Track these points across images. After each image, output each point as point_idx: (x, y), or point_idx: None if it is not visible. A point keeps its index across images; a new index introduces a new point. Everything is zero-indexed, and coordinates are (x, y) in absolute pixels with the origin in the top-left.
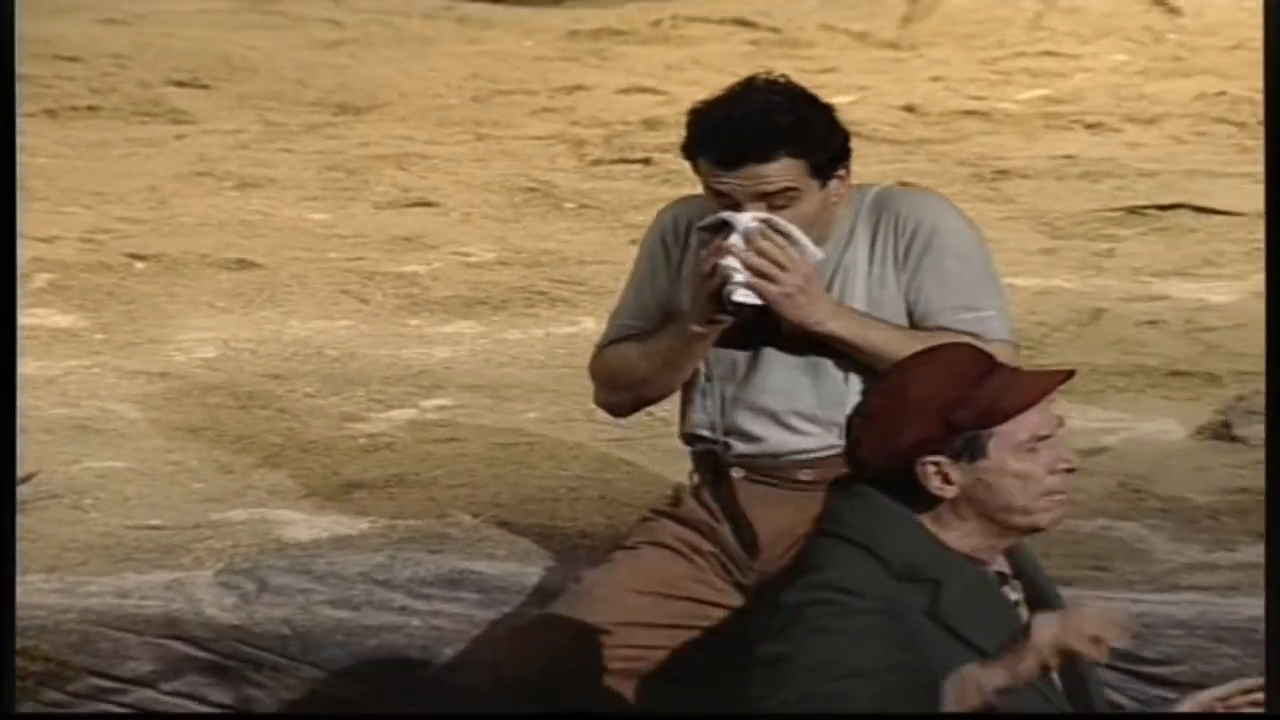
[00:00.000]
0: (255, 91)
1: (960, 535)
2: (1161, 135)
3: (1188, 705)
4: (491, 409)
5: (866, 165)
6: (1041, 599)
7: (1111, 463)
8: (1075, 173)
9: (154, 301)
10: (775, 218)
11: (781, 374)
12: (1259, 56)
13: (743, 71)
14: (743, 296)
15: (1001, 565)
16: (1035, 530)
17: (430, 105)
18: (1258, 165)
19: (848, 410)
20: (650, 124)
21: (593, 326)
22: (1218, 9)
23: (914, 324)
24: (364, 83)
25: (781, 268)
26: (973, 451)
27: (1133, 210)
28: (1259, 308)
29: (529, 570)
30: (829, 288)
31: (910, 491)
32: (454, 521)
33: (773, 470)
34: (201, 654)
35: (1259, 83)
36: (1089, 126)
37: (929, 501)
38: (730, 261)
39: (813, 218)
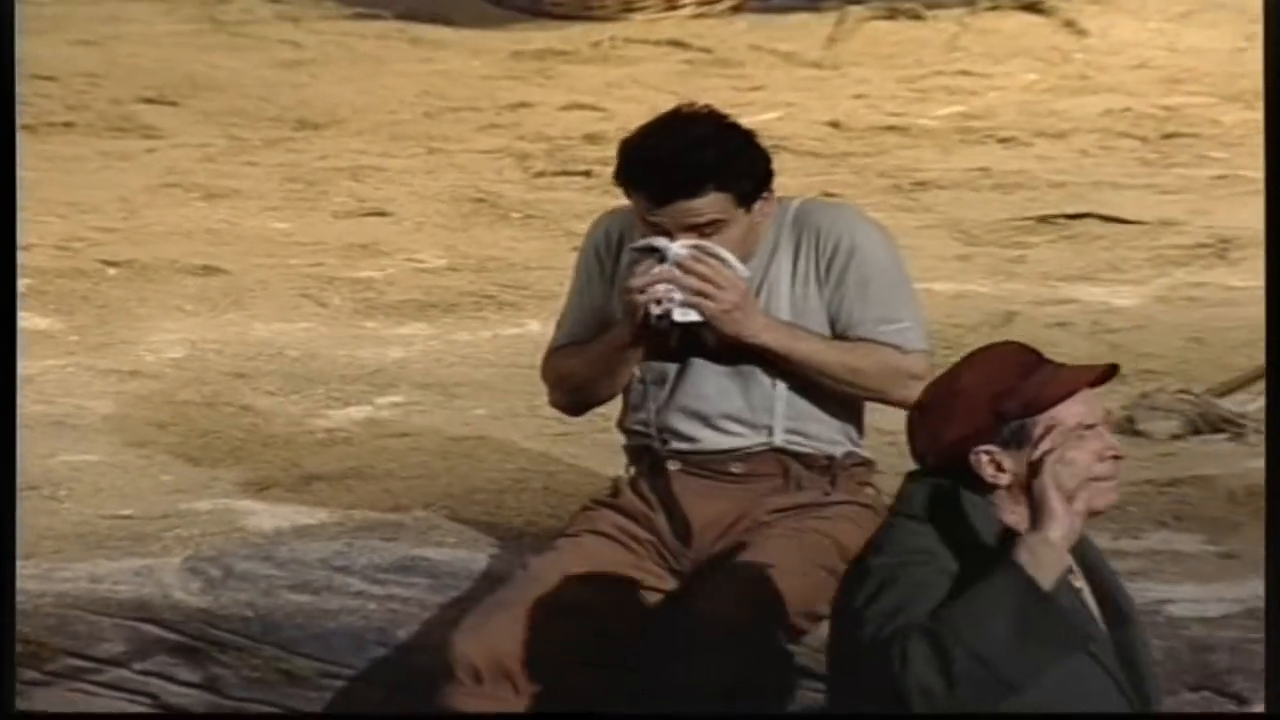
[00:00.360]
0: (220, 108)
1: (1018, 520)
2: (1069, 149)
3: None
4: (442, 406)
5: (793, 178)
6: (1106, 592)
7: None
8: (988, 184)
9: (125, 305)
10: (705, 243)
11: (711, 380)
12: (1161, 74)
13: (678, 89)
14: (682, 315)
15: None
16: (1090, 514)
17: (384, 121)
18: (1159, 177)
19: (775, 413)
20: (591, 138)
21: (538, 329)
22: (1122, 30)
23: (836, 335)
24: (322, 100)
25: (719, 287)
26: (1020, 440)
27: (1042, 219)
28: (1160, 310)
29: (477, 557)
30: (760, 303)
31: (969, 480)
32: (407, 511)
33: (706, 464)
34: (170, 635)
35: (1161, 99)
36: (1001, 141)
37: (986, 490)
38: (662, 287)
39: (740, 240)
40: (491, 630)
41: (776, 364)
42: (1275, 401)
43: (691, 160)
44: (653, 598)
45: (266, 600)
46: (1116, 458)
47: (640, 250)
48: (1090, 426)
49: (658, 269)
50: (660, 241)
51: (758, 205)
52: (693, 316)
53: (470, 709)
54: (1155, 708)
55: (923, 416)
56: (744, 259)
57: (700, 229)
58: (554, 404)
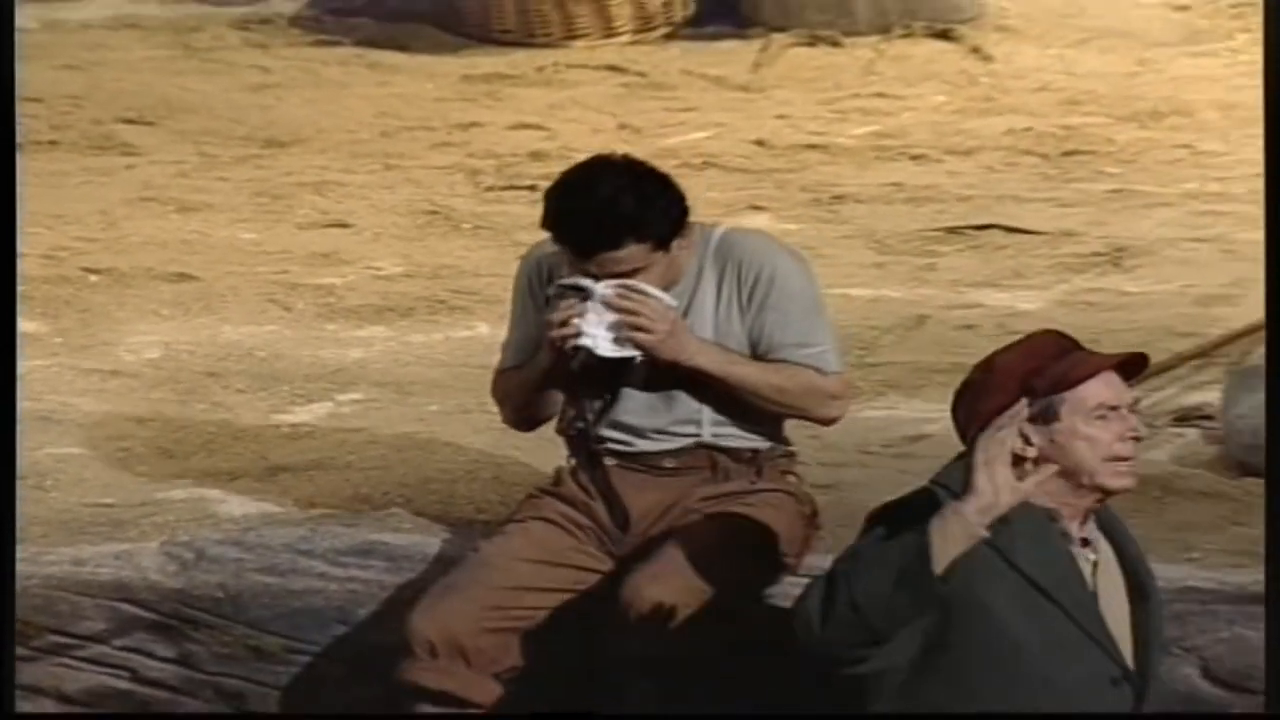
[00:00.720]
0: (193, 128)
1: (1041, 492)
2: (976, 165)
3: None
4: (398, 402)
5: (723, 192)
6: (1129, 568)
7: (934, 447)
8: (901, 198)
9: (106, 310)
10: (629, 281)
11: (640, 399)
12: (1060, 97)
13: (616, 110)
14: (613, 351)
15: (1085, 531)
16: (1105, 492)
17: (344, 140)
18: (1058, 191)
19: (703, 419)
20: (536, 156)
21: (487, 331)
22: (1024, 56)
23: (756, 357)
24: (287, 120)
25: (650, 320)
26: (1047, 415)
27: (951, 230)
28: (1061, 314)
29: (431, 541)
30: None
31: None
32: (366, 499)
33: (639, 460)
34: (147, 614)
35: (1060, 119)
36: (914, 158)
37: (1014, 461)
38: (588, 326)
39: (663, 274)
40: (446, 610)
41: (707, 383)
42: (1275, 399)
43: (609, 217)
44: (592, 578)
45: (236, 581)
46: (1137, 439)
47: (566, 287)
48: (1114, 408)
49: (578, 307)
50: (585, 281)
51: (676, 242)
52: (627, 351)
53: (427, 682)
54: (1151, 679)
55: (964, 394)
56: (668, 287)
57: (624, 275)
58: (505, 421)
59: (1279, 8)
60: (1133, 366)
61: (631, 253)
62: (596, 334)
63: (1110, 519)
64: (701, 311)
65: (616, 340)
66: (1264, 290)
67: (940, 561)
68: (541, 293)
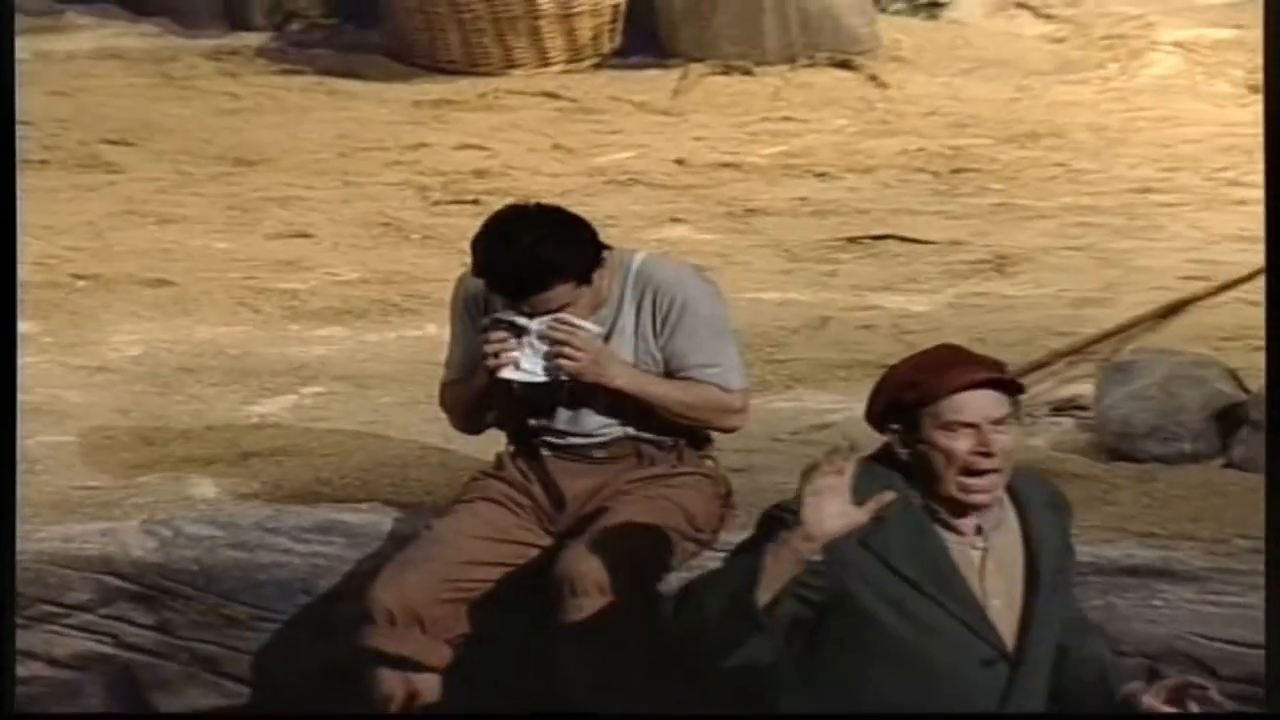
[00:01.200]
0: (170, 148)
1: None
2: (874, 182)
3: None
4: (355, 395)
5: (647, 206)
6: (1033, 560)
7: (836, 435)
8: (807, 211)
9: (92, 311)
10: (560, 314)
11: (564, 413)
12: (948, 120)
13: (550, 133)
14: (543, 378)
15: (981, 520)
16: (959, 505)
17: (307, 159)
18: (947, 205)
19: (627, 422)
20: (479, 173)
21: (435, 331)
22: (916, 84)
23: (669, 374)
24: (255, 142)
25: (576, 349)
26: (914, 424)
27: (851, 240)
28: (950, 315)
29: (385, 520)
30: (610, 346)
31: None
32: (326, 482)
33: (571, 450)
34: (130, 586)
35: (949, 140)
36: (818, 175)
37: (893, 463)
38: (523, 359)
39: (589, 304)
40: (404, 582)
41: (624, 400)
42: (1275, 401)
43: (534, 265)
44: (533, 553)
45: (209, 556)
46: (986, 455)
47: (500, 321)
48: (970, 425)
49: (510, 341)
50: (519, 319)
51: (596, 274)
52: (558, 377)
53: (387, 647)
54: (1032, 659)
55: (870, 395)
56: (595, 310)
57: (552, 311)
58: (454, 427)
59: (1279, 7)
60: (1011, 386)
61: (558, 292)
62: (529, 365)
63: (1032, 503)
64: (623, 334)
65: (547, 369)
66: (1265, 290)
67: (767, 588)
68: (477, 314)
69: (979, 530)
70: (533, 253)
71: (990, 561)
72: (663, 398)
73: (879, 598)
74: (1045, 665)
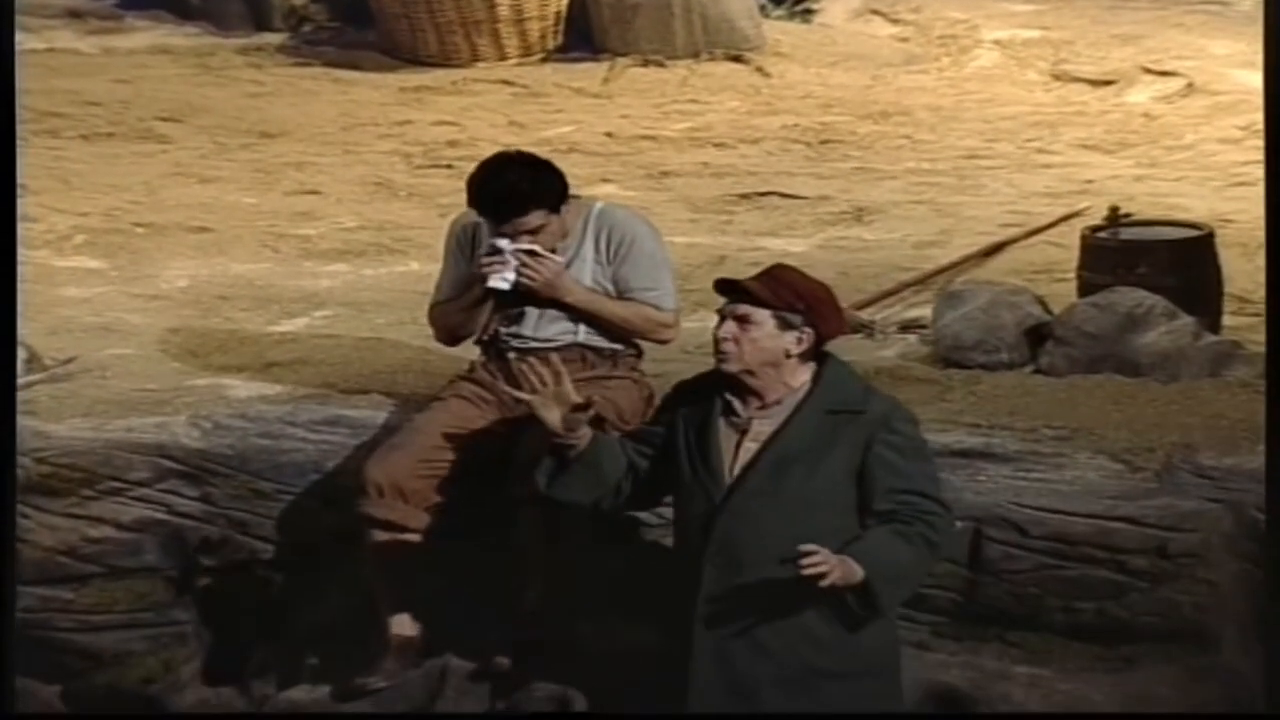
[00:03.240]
0: (209, 124)
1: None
2: (760, 150)
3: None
4: (356, 317)
5: (583, 169)
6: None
7: None
8: (708, 173)
9: (148, 252)
10: (530, 245)
11: (534, 316)
12: (818, 102)
13: (510, 112)
14: (507, 284)
15: (753, 413)
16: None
17: (317, 133)
18: (817, 168)
19: (577, 334)
20: (452, 144)
21: (417, 267)
22: (793, 73)
23: (617, 295)
24: (276, 119)
25: (538, 271)
26: None
27: (743, 196)
28: (820, 254)
29: (380, 414)
30: (570, 272)
31: None
32: (333, 385)
33: (532, 353)
34: (179, 466)
35: (819, 118)
36: (716, 145)
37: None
38: (500, 269)
39: (558, 232)
40: (389, 461)
41: (578, 313)
42: (1274, 399)
43: (515, 194)
44: (495, 439)
45: (242, 443)
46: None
47: (491, 246)
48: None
49: (496, 259)
50: (502, 242)
51: (563, 207)
52: (521, 283)
53: (376, 514)
54: (729, 519)
55: None
56: (562, 239)
57: (529, 232)
58: (437, 340)
59: (1279, 7)
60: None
61: (532, 217)
62: (506, 277)
63: (816, 409)
64: (584, 261)
65: (516, 284)
66: (1265, 290)
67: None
68: (467, 247)
69: (751, 422)
70: (514, 186)
71: (749, 444)
72: (605, 311)
73: (676, 462)
74: (748, 519)
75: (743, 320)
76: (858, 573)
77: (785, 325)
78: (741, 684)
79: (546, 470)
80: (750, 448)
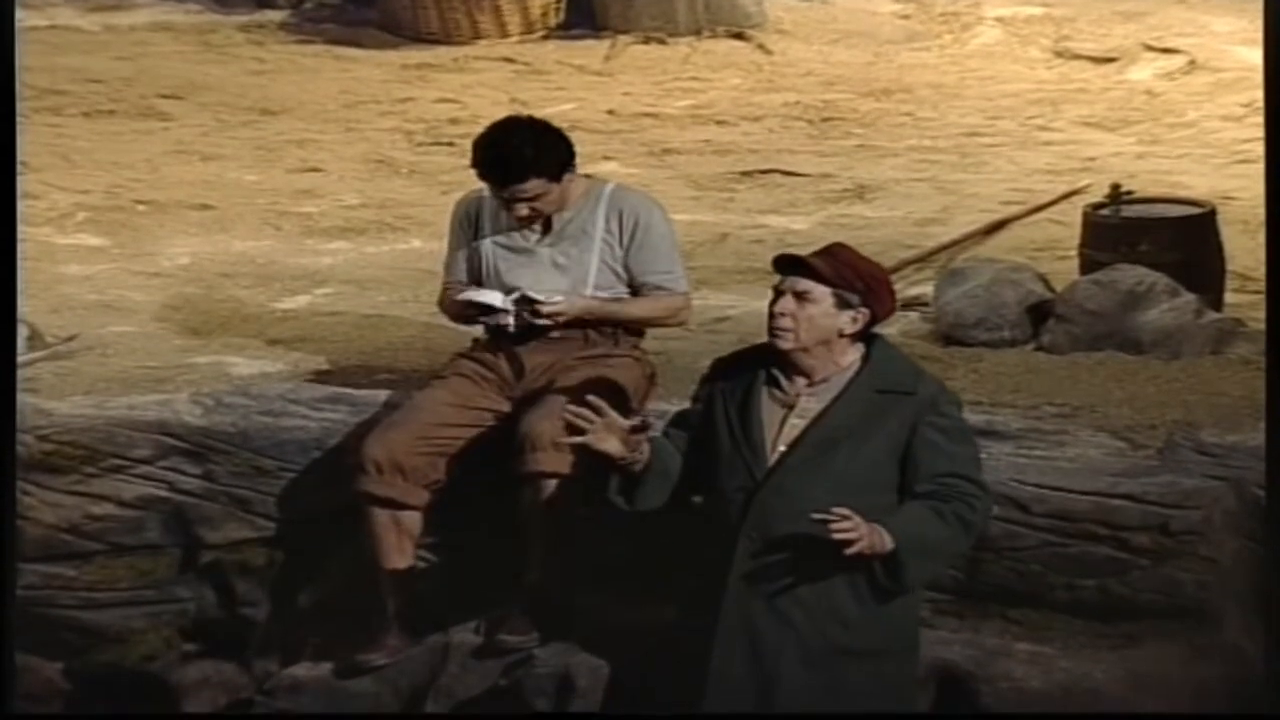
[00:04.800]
0: (211, 101)
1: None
2: (762, 128)
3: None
4: (357, 295)
5: (584, 146)
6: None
7: (734, 326)
8: (710, 150)
9: (150, 229)
10: (527, 293)
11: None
12: (820, 79)
13: (511, 90)
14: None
15: (800, 389)
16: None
17: (318, 110)
18: (819, 146)
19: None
20: (453, 121)
21: (419, 244)
22: (795, 50)
23: (629, 279)
24: (278, 96)
25: (540, 315)
26: None
27: (744, 173)
28: (822, 231)
29: (380, 392)
30: (576, 249)
31: None
32: (335, 362)
33: (536, 329)
34: (181, 444)
35: (820, 95)
36: (718, 123)
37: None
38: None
39: (557, 199)
40: (389, 439)
41: (603, 321)
42: (1276, 376)
43: (516, 160)
44: (492, 417)
45: (244, 421)
46: (782, 313)
47: (486, 306)
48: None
49: (490, 318)
50: (495, 300)
51: (566, 176)
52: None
53: (375, 491)
54: (777, 492)
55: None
56: (559, 210)
57: (529, 200)
58: (449, 320)
59: (1279, 7)
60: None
61: (534, 184)
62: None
63: (867, 389)
64: (591, 240)
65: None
66: (1266, 268)
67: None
68: (470, 228)
69: (799, 398)
70: (518, 151)
71: (794, 420)
72: (630, 316)
73: (718, 435)
74: (789, 495)
75: (802, 296)
76: (888, 542)
77: (843, 304)
78: (764, 657)
79: (619, 489)
80: (797, 424)
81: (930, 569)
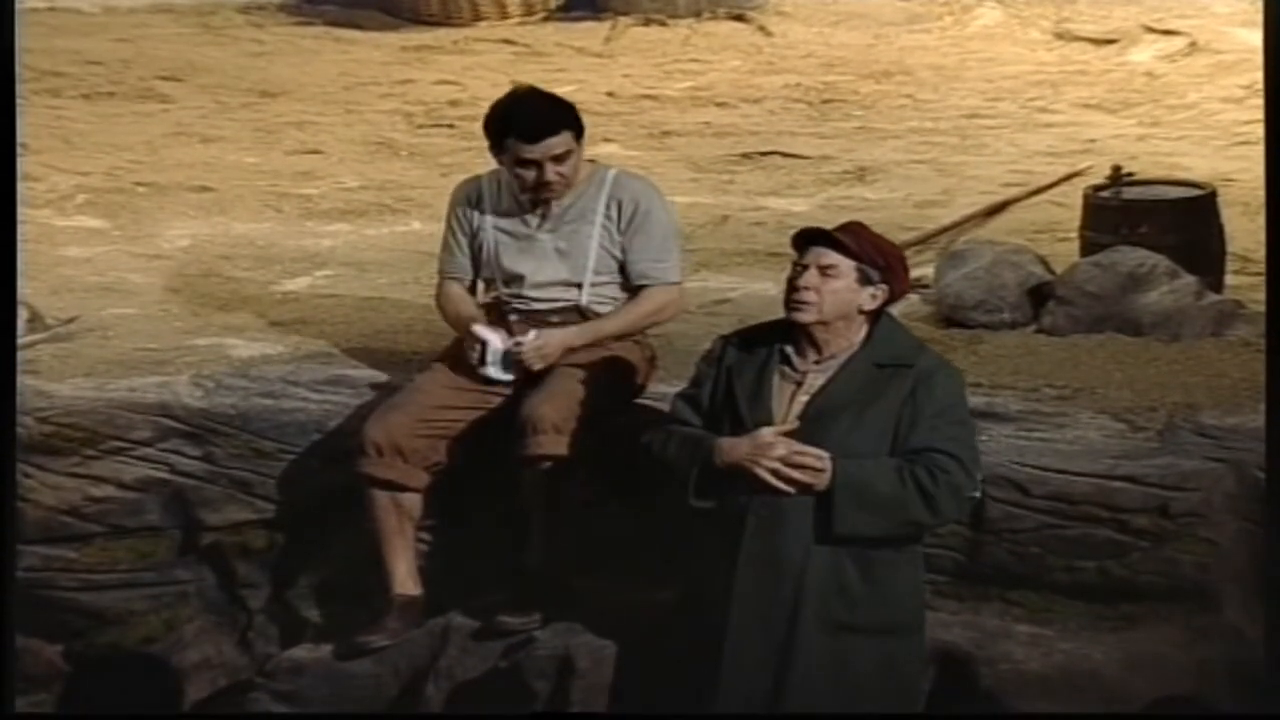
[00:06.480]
0: (210, 83)
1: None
2: (762, 110)
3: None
4: (357, 277)
5: (586, 129)
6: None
7: (733, 308)
8: (710, 132)
9: (150, 211)
10: (517, 342)
11: (530, 285)
12: (820, 61)
13: (511, 72)
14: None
15: (807, 366)
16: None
17: (318, 92)
18: (820, 128)
19: (580, 296)
20: (453, 103)
21: (419, 226)
22: (796, 32)
23: (626, 264)
24: (277, 78)
25: (531, 362)
26: None
27: (744, 155)
28: (822, 214)
29: (380, 375)
30: (576, 234)
31: None
32: (335, 344)
33: (534, 314)
34: (181, 426)
35: (821, 77)
36: (718, 105)
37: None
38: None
39: (573, 174)
40: (388, 422)
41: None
42: (1276, 358)
43: (550, 111)
44: (492, 400)
45: (244, 403)
46: (804, 286)
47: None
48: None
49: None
50: (489, 353)
51: (582, 140)
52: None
53: (375, 473)
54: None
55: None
56: (570, 187)
57: (559, 158)
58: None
59: (1279, 7)
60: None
61: (564, 138)
62: (499, 374)
63: (864, 363)
64: (591, 224)
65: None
66: (1266, 250)
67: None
68: (465, 221)
69: (805, 372)
70: (546, 105)
71: (803, 395)
72: (619, 330)
73: (734, 399)
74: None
75: (826, 270)
76: (825, 480)
77: (864, 280)
78: (778, 624)
79: (698, 485)
80: (803, 400)
81: (870, 523)
